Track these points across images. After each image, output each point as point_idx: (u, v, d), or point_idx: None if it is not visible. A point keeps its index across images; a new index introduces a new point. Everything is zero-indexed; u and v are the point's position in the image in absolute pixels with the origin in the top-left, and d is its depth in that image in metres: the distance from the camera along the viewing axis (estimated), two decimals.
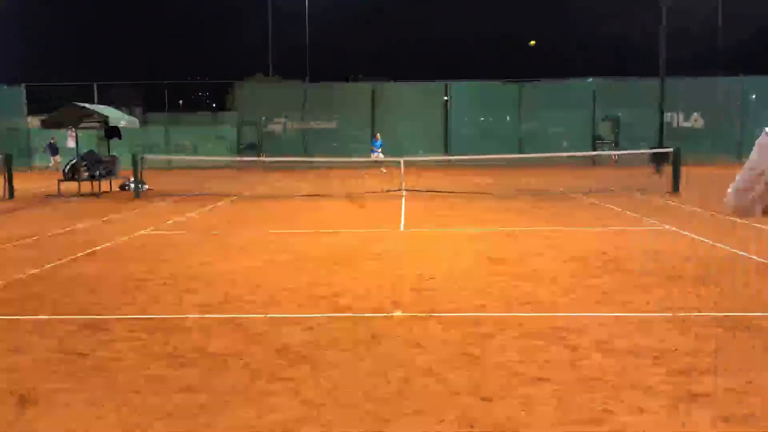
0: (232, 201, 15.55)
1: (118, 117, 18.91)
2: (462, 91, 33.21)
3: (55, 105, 24.21)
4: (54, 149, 28.73)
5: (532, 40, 53.69)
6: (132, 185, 17.10)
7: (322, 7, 47.39)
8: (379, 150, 26.62)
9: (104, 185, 17.92)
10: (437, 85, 33.94)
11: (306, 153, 31.25)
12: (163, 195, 16.66)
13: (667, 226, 10.24)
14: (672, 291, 6.19)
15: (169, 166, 29.15)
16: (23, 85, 32.88)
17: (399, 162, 17.62)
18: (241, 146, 32.22)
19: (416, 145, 29.65)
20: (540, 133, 31.84)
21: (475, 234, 10.05)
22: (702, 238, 9.03)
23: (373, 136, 28.22)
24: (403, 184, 16.77)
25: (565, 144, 30.97)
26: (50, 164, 28.34)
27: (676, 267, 7.22)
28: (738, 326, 5.04)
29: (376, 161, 26.13)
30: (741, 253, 7.95)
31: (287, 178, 23.35)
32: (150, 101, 41.54)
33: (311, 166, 27.77)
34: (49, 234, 10.36)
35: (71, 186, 17.38)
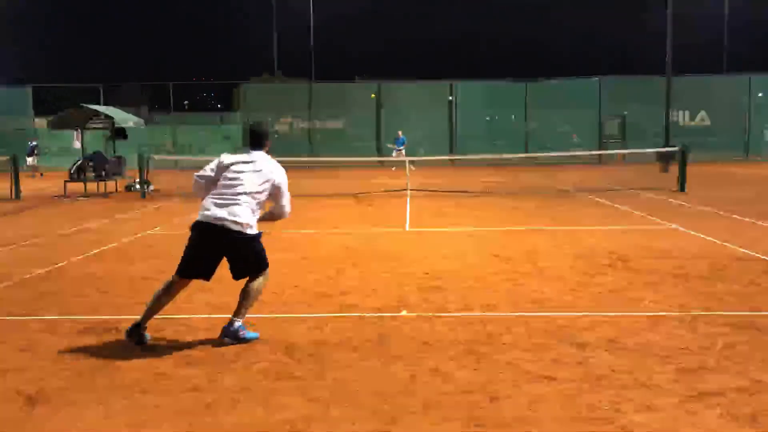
0: None
1: (124, 118, 18.94)
2: (467, 90, 33.15)
3: (61, 106, 24.26)
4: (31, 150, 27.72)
5: (538, 41, 53.30)
6: (138, 186, 17.15)
7: (328, 7, 47.46)
8: (403, 147, 26.71)
9: (110, 186, 17.97)
10: (443, 85, 33.90)
11: (312, 152, 31.28)
12: (169, 195, 16.69)
13: (674, 225, 10.21)
14: (680, 290, 6.17)
15: (175, 166, 29.19)
16: (29, 86, 32.99)
17: (404, 161, 17.61)
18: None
19: (421, 145, 29.63)
20: (546, 132, 31.74)
21: (481, 233, 10.04)
22: (709, 237, 9.00)
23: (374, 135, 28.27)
24: (409, 183, 16.77)
25: (575, 140, 30.90)
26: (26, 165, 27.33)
27: (684, 266, 7.20)
28: (746, 325, 5.03)
29: (398, 159, 26.11)
30: (748, 252, 7.92)
31: (293, 178, 23.27)
32: (156, 102, 41.69)
33: (318, 165, 27.73)
34: (57, 234, 10.41)
35: (77, 186, 17.45)
